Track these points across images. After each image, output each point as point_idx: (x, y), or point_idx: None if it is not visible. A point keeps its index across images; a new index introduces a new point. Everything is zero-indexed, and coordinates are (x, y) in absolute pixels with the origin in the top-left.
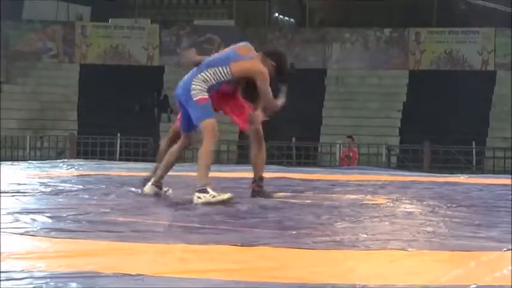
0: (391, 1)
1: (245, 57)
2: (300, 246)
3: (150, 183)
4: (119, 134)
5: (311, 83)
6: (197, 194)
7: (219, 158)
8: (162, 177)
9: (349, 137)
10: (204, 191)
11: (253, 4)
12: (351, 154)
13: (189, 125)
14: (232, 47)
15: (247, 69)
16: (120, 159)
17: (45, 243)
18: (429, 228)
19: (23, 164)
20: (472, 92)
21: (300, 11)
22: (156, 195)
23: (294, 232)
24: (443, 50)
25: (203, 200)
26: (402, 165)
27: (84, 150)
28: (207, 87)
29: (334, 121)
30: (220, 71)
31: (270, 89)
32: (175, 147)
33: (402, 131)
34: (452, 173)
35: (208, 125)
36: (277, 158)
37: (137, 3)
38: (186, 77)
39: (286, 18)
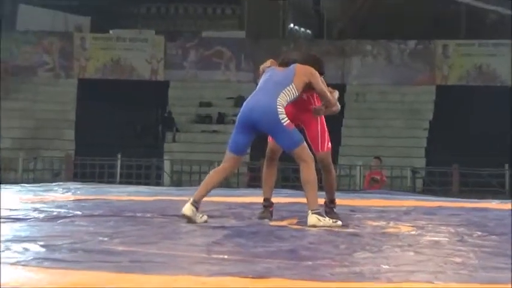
0: (415, 11)
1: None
2: (316, 279)
3: (189, 203)
4: (119, 155)
5: None
6: (316, 216)
7: (229, 182)
8: (202, 197)
9: (377, 157)
10: (321, 214)
11: (266, 14)
12: (378, 177)
13: (244, 148)
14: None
15: (303, 76)
16: (121, 183)
17: (38, 275)
18: (457, 259)
19: (14, 187)
20: (504, 110)
21: (317, 21)
22: (191, 217)
23: (310, 263)
24: (473, 64)
25: (323, 223)
26: (428, 189)
27: (81, 173)
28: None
29: (354, 141)
30: (289, 90)
31: (325, 87)
32: (220, 169)
33: (428, 152)
34: (483, 198)
35: (306, 149)
36: (292, 181)
37: (140, 13)
38: (256, 98)
39: (302, 29)
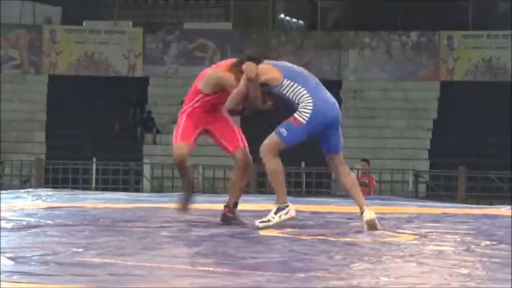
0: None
1: None
2: None
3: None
4: (94, 159)
5: None
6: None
7: (213, 187)
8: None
9: (365, 160)
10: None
11: (254, 4)
12: (367, 181)
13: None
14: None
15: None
16: (97, 189)
17: None
18: (464, 270)
19: None
20: None
21: (310, 11)
22: None
23: (303, 275)
24: (480, 57)
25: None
26: (432, 194)
27: (53, 178)
28: None
29: (351, 142)
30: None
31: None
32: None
33: (432, 154)
34: (492, 204)
35: None
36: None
37: (117, 3)
38: (328, 95)
39: (294, 19)
